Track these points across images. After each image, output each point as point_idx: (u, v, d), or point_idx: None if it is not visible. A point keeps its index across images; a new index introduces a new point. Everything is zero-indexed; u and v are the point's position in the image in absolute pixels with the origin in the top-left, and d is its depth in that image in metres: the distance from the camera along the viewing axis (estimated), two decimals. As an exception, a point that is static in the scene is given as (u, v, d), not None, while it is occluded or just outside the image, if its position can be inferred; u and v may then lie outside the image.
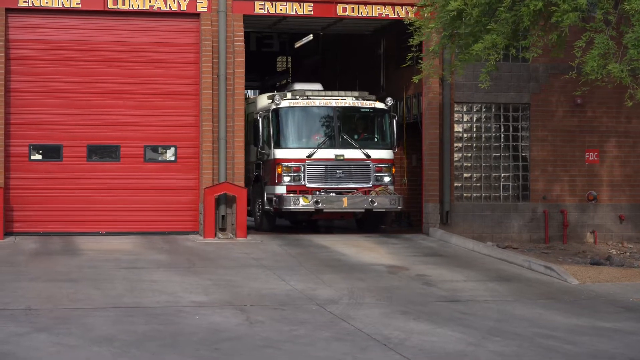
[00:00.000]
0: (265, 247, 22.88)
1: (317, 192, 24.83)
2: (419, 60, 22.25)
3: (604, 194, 26.52)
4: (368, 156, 25.44)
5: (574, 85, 22.98)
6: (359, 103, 25.98)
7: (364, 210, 25.47)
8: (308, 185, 25.02)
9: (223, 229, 24.43)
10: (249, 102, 27.79)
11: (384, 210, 25.56)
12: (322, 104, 25.69)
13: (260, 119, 25.65)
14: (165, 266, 19.75)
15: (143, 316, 14.79)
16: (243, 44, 24.73)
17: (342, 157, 25.15)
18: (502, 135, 26.57)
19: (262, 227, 26.28)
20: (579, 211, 26.70)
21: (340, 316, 15.08)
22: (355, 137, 25.79)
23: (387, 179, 25.65)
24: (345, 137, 25.51)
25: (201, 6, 24.57)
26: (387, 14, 25.31)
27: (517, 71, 26.29)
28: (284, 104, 25.57)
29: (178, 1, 24.56)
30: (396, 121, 26.09)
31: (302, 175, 24.98)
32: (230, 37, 24.55)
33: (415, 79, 22.14)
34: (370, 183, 25.44)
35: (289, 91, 26.82)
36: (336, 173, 25.19)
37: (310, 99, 25.79)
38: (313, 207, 24.62)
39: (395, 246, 23.69)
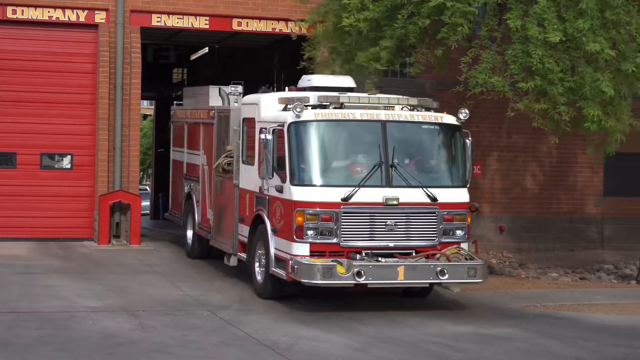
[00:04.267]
0: (158, 254, 22.70)
1: (358, 255, 15.84)
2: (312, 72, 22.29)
3: (485, 206, 26.84)
4: (434, 199, 16.30)
5: (459, 101, 23.25)
6: (419, 116, 16.84)
7: (427, 286, 17.18)
8: (344, 243, 15.91)
9: (117, 236, 24.16)
10: (243, 104, 18.84)
11: (457, 284, 17.01)
12: (365, 117, 16.45)
13: (267, 135, 16.39)
14: (59, 272, 19.48)
15: (37, 321, 14.59)
16: (140, 55, 24.52)
17: (395, 202, 16.08)
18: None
19: (265, 293, 17.10)
20: (462, 222, 26.90)
21: (231, 322, 15.07)
22: (413, 168, 16.74)
23: (460, 233, 16.59)
24: (399, 169, 16.29)
25: (99, 17, 24.29)
26: (281, 29, 25.29)
27: (404, 86, 26.40)
28: (308, 116, 16.22)
29: (77, 12, 24.25)
30: (471, 144, 17.13)
31: (334, 227, 15.85)
32: (127, 49, 24.33)
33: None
34: (437, 240, 16.38)
35: (303, 89, 18.09)
36: (386, 225, 16.08)
37: (346, 107, 16.75)
38: (352, 282, 15.48)
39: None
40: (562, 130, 18.15)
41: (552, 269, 22.18)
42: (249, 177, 17.89)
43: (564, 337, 14.75)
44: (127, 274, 19.46)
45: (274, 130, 16.42)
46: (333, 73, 20.14)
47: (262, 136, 16.41)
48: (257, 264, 17.28)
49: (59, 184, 24.45)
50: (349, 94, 17.35)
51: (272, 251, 16.49)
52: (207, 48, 36.55)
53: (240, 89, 19.52)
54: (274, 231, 16.54)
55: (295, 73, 22.18)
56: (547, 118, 17.79)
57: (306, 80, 18.23)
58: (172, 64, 40.68)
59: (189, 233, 22.11)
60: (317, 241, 15.86)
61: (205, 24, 25.08)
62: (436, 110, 16.97)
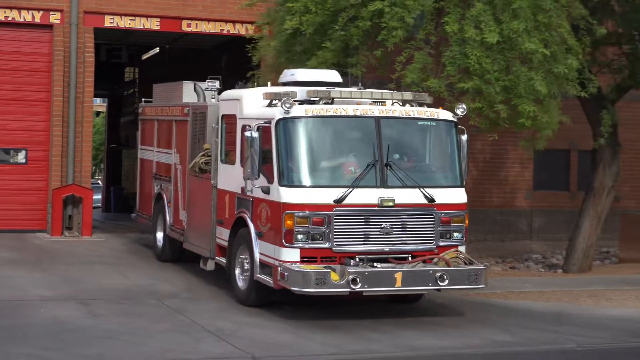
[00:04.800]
0: (109, 245, 22.55)
1: (352, 260, 14.26)
2: (259, 75, 22.29)
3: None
4: (431, 200, 14.74)
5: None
6: (414, 112, 15.31)
7: (425, 293, 15.81)
8: (336, 248, 14.30)
9: (70, 228, 23.98)
10: (222, 100, 17.07)
11: (457, 289, 15.34)
12: (359, 113, 14.87)
13: (252, 133, 14.65)
14: (13, 263, 19.30)
15: (-9, 309, 14.49)
16: (93, 54, 24.33)
17: (391, 203, 14.50)
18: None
19: (248, 300, 15.42)
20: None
21: (178, 310, 15.01)
22: (409, 167, 15.20)
23: (457, 235, 15.07)
24: (394, 168, 14.70)
25: (54, 18, 24.07)
26: (229, 31, 25.25)
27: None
28: (298, 111, 14.62)
29: (32, 13, 24.02)
30: (466, 141, 15.69)
31: (325, 231, 14.24)
32: (81, 48, 24.13)
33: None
34: (434, 243, 14.83)
35: (285, 84, 16.45)
36: (381, 228, 14.48)
37: (337, 103, 15.06)
38: (347, 290, 13.93)
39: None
40: (500, 127, 18.26)
41: (483, 259, 22.33)
42: (228, 178, 16.23)
43: (497, 323, 14.85)
44: (79, 265, 19.32)
45: (259, 128, 14.67)
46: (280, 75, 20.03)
47: (247, 134, 14.66)
48: (238, 270, 15.64)
49: (13, 178, 24.21)
50: (338, 88, 15.68)
51: (257, 256, 14.84)
52: (158, 48, 36.39)
53: (218, 84, 18.36)
54: (259, 235, 14.87)
55: (243, 74, 22.17)
56: (482, 116, 17.91)
57: (289, 74, 16.55)
58: (125, 63, 40.49)
59: (159, 235, 20.10)
60: (308, 246, 14.19)
61: (156, 25, 24.95)
62: (429, 106, 15.67)
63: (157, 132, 21.01)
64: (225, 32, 25.33)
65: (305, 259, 14.19)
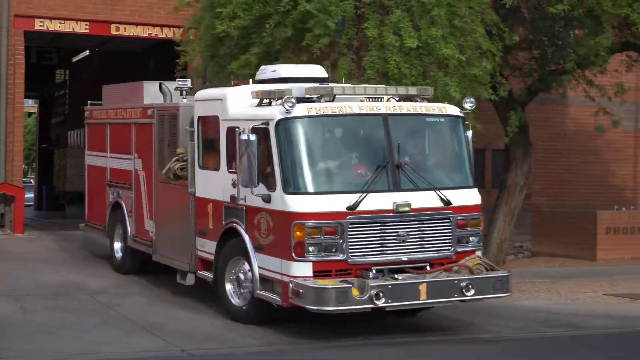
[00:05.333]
0: (41, 242, 22.27)
1: (370, 273, 12.57)
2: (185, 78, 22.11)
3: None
4: (448, 203, 13.12)
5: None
6: (422, 108, 13.64)
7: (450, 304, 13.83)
8: (352, 259, 12.56)
9: (2, 226, 23.61)
10: (198, 100, 14.96)
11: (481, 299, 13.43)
12: (365, 111, 13.16)
13: (248, 136, 12.75)
14: (-54, 260, 19.00)
15: None
16: (24, 57, 24.01)
17: (407, 208, 12.82)
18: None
19: (247, 318, 13.58)
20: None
21: (109, 305, 14.88)
22: (420, 167, 13.43)
23: (474, 240, 13.43)
24: (407, 169, 13.05)
25: (-16, 22, 23.71)
26: (157, 34, 25.07)
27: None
28: (300, 111, 12.82)
29: (-38, 16, 23.63)
30: (472, 136, 14.17)
31: (339, 242, 12.48)
32: (11, 51, 23.79)
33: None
34: (452, 250, 13.21)
35: (264, 81, 14.66)
36: (398, 236, 12.80)
37: (338, 100, 13.41)
38: (370, 306, 12.28)
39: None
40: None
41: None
42: (211, 185, 14.33)
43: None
44: (11, 261, 19.07)
45: (256, 130, 12.82)
46: (207, 79, 19.90)
47: (243, 137, 12.74)
48: (229, 285, 13.80)
49: (-55, 177, 23.78)
50: (339, 84, 14.33)
51: (257, 271, 13.06)
52: (87, 51, 36.02)
53: (189, 83, 16.42)
54: (258, 248, 13.07)
55: (171, 76, 22.03)
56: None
57: (269, 71, 14.85)
58: (55, 66, 40.05)
59: (117, 246, 18.01)
60: (321, 259, 12.40)
61: (86, 29, 24.68)
62: (429, 101, 14.10)
63: (110, 136, 18.73)
64: (153, 35, 25.16)
65: (319, 273, 12.41)
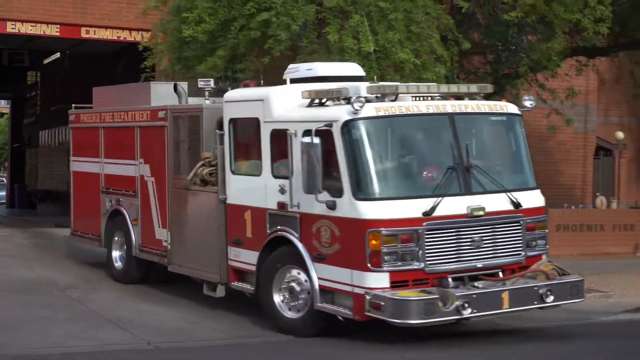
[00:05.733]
0: (13, 239, 22.20)
1: (447, 281, 11.61)
2: (153, 80, 22.08)
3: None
4: (518, 205, 12.20)
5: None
6: (485, 106, 12.70)
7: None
8: (429, 268, 11.57)
9: (-25, 223, 23.45)
10: (230, 101, 13.65)
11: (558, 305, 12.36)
12: (432, 110, 12.15)
13: (311, 139, 11.51)
14: None
15: None
16: (-5, 59, 23.87)
17: (481, 212, 11.86)
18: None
19: (308, 331, 12.37)
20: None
21: (79, 300, 14.86)
22: (487, 169, 12.31)
23: (541, 243, 12.51)
24: (476, 171, 12.04)
25: (-43, 24, 23.54)
26: (125, 37, 24.94)
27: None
28: (369, 111, 11.71)
29: None
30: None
31: (416, 250, 11.47)
32: (-16, 53, 23.66)
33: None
34: (523, 254, 12.27)
35: (297, 80, 13.40)
36: (472, 241, 11.84)
37: (402, 99, 12.52)
38: (456, 317, 11.36)
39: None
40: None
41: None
42: (248, 191, 13.17)
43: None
44: (-17, 258, 18.96)
45: (317, 132, 11.54)
46: (174, 81, 19.67)
47: (305, 140, 11.52)
48: (278, 297, 12.62)
49: None
50: (403, 83, 13.42)
51: (316, 282, 11.96)
52: (58, 53, 35.84)
53: (212, 83, 15.20)
54: (319, 257, 11.92)
55: (137, 79, 21.97)
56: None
57: (303, 69, 13.61)
58: (27, 67, 39.82)
59: (117, 255, 16.65)
60: (398, 268, 11.36)
61: (56, 32, 24.50)
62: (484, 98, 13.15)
63: (104, 140, 17.22)
64: (122, 39, 25.02)
65: (395, 283, 11.39)
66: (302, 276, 12.30)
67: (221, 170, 13.66)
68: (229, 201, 13.55)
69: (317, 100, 12.35)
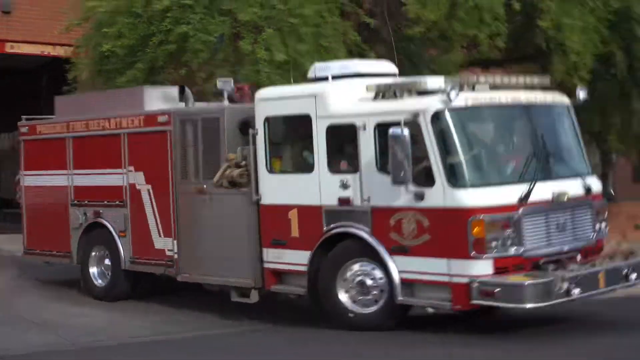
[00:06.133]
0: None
1: (546, 265, 11.54)
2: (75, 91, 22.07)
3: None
4: (589, 190, 12.36)
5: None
6: (549, 97, 12.72)
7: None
8: (528, 253, 11.44)
9: None
10: (270, 99, 13.20)
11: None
12: (511, 101, 12.13)
13: (401, 130, 11.20)
14: None
15: None
16: None
17: (565, 197, 11.82)
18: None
19: (381, 324, 12.03)
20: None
21: (5, 304, 14.78)
22: (558, 156, 12.64)
23: (604, 226, 12.69)
24: (553, 159, 12.23)
25: None
26: (49, 52, 24.95)
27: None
28: (462, 101, 11.54)
29: None
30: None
31: (514, 235, 11.30)
32: None
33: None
34: (594, 237, 12.41)
35: (347, 77, 12.88)
36: (558, 225, 11.84)
37: (492, 90, 12.18)
38: (566, 298, 11.24)
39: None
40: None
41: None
42: (293, 189, 12.63)
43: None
44: None
45: (408, 123, 11.25)
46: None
47: (395, 131, 11.17)
48: (344, 295, 12.12)
49: None
50: (484, 75, 12.75)
51: (396, 276, 11.63)
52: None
53: (232, 83, 14.52)
54: (400, 250, 11.59)
55: (60, 92, 22.00)
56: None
57: (338, 67, 13.16)
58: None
59: (95, 271, 15.42)
60: (501, 255, 11.16)
61: (-18, 47, 24.44)
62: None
63: (74, 151, 15.84)
64: (46, 53, 25.04)
65: (499, 269, 11.19)
66: (376, 271, 11.88)
67: (255, 171, 12.98)
68: (265, 202, 12.89)
69: (382, 94, 12.02)
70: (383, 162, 11.62)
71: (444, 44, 19.06)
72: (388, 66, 13.53)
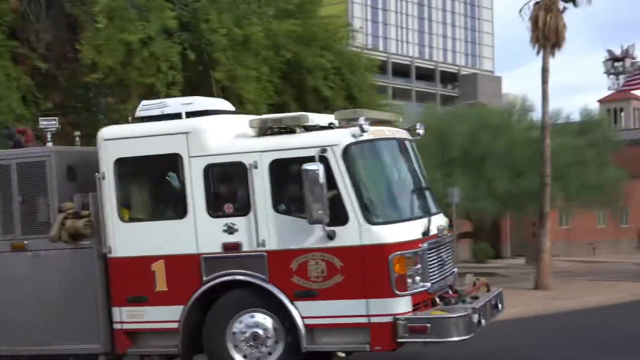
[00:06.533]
0: None
1: (446, 299, 11.32)
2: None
3: None
4: (450, 226, 12.54)
5: None
6: (404, 133, 12.30)
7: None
8: (432, 288, 11.04)
9: None
10: (111, 139, 11.52)
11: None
12: (393, 135, 11.71)
13: (316, 166, 10.34)
14: None
15: None
16: None
17: (446, 231, 11.75)
18: None
19: None
20: None
21: None
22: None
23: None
24: (428, 193, 12.13)
25: None
26: None
27: None
28: (369, 135, 10.90)
29: None
30: None
31: (421, 271, 10.79)
32: None
33: None
34: (457, 272, 12.30)
35: (195, 114, 11.50)
36: (442, 259, 11.54)
37: (375, 126, 11.53)
38: (477, 330, 11.03)
39: None
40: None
41: None
42: (157, 239, 11.18)
43: None
44: None
45: (320, 158, 10.40)
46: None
47: (310, 167, 10.23)
48: (238, 354, 11.00)
49: None
50: (368, 110, 12.01)
51: (300, 322, 10.66)
52: None
53: (57, 122, 12.93)
54: (306, 295, 10.62)
55: None
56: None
57: (179, 104, 11.76)
58: None
59: None
60: (416, 291, 10.62)
61: None
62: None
63: None
64: None
65: (415, 306, 10.66)
66: (269, 321, 10.92)
67: (105, 220, 11.36)
68: (117, 254, 11.34)
69: (271, 129, 11.07)
70: (279, 202, 10.76)
71: (121, 91, 18.92)
72: (227, 104, 12.39)
